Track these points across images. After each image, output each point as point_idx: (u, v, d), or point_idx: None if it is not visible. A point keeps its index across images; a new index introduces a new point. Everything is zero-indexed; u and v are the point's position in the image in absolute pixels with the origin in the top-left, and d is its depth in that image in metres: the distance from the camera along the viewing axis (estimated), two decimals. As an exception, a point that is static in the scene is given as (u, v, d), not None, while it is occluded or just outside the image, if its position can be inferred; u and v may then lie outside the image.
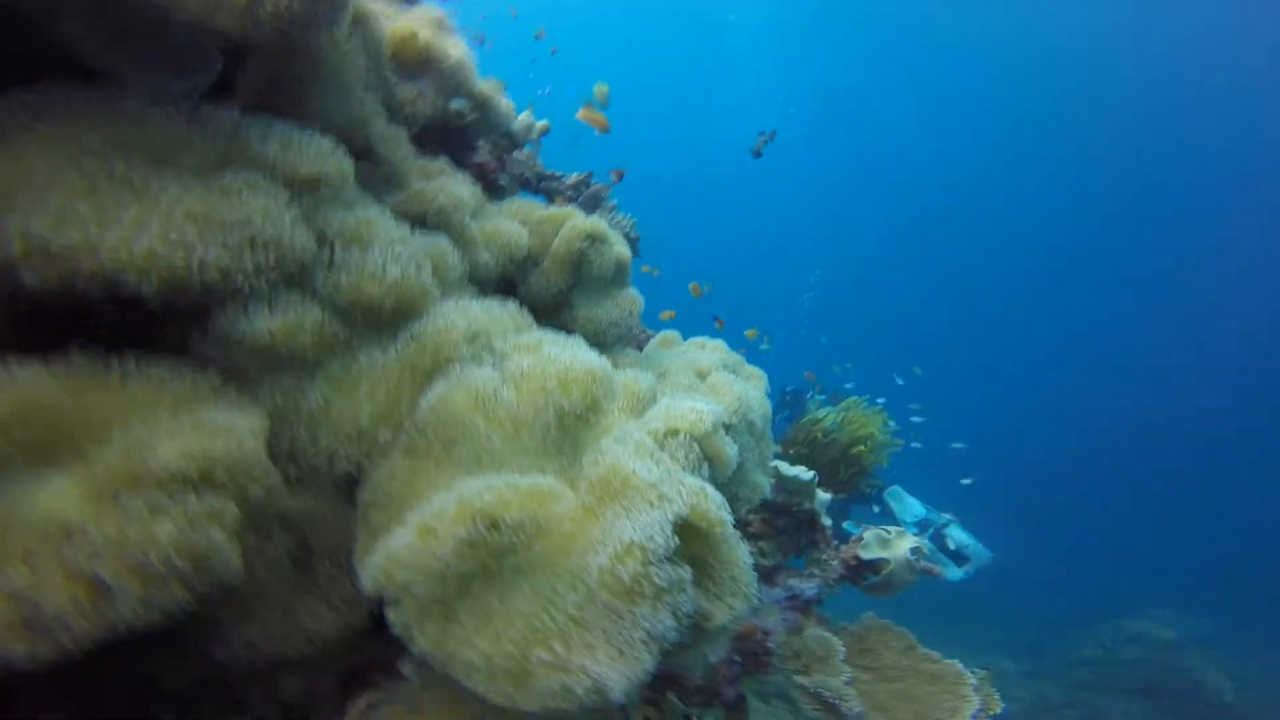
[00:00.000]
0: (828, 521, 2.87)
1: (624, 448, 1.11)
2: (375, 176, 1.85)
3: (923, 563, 2.80)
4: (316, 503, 1.13)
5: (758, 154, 6.40)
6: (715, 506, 1.10)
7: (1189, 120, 27.73)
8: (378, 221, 1.38)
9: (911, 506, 5.87)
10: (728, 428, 1.58)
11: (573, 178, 3.66)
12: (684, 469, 1.16)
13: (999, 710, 2.66)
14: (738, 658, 2.73)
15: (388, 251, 1.31)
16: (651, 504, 1.02)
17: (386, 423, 1.16)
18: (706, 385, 1.77)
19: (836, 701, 2.61)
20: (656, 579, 0.99)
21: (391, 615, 0.99)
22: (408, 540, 0.96)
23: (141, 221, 0.95)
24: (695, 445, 1.24)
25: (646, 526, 0.99)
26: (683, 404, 1.28)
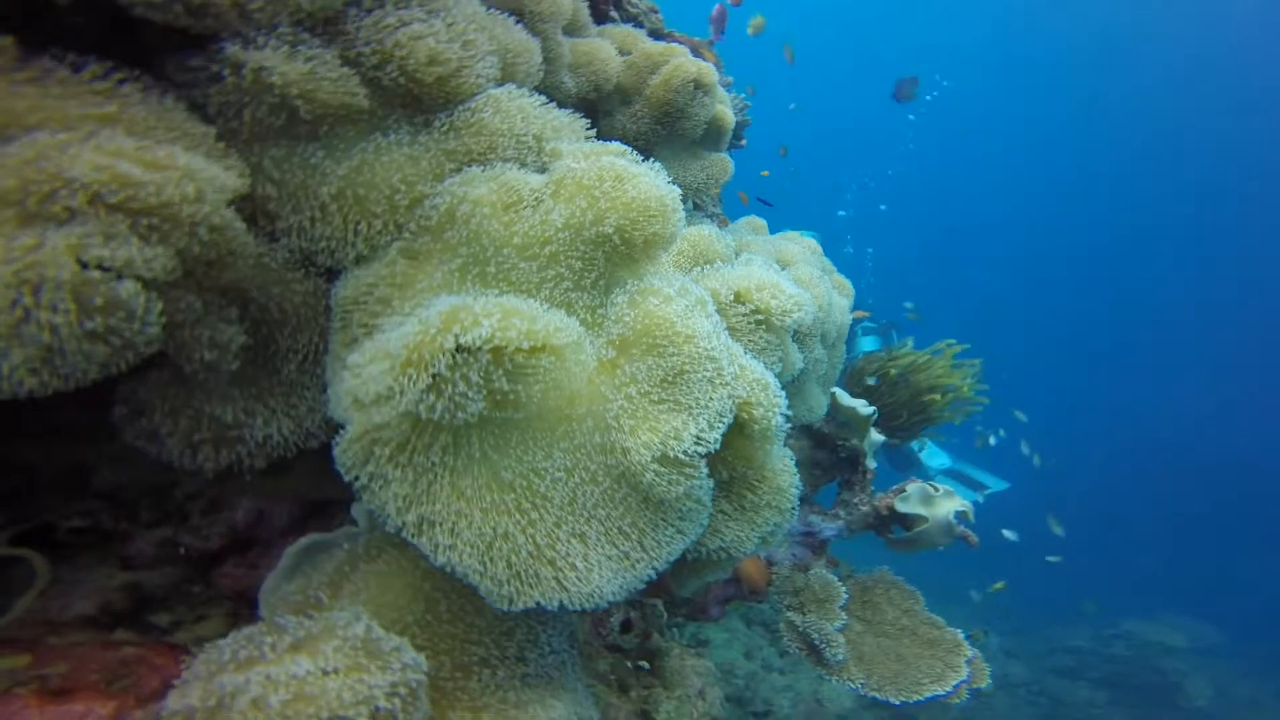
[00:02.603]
0: (873, 464, 2.62)
1: (673, 292, 0.84)
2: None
3: (962, 527, 2.55)
4: (295, 288, 0.91)
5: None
6: (775, 409, 0.85)
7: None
8: None
9: (937, 455, 5.58)
10: (798, 330, 1.31)
11: (691, 40, 3.23)
12: (745, 350, 0.90)
13: (985, 685, 2.52)
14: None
15: (450, 25, 1.01)
16: (709, 381, 0.77)
17: (398, 213, 0.91)
18: (791, 276, 1.47)
19: (822, 645, 2.47)
20: (685, 477, 0.77)
21: (342, 454, 0.78)
22: (383, 369, 0.74)
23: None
24: (762, 327, 0.97)
25: (693, 413, 0.75)
26: (761, 271, 0.99)
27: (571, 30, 1.72)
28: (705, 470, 0.80)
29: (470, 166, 0.96)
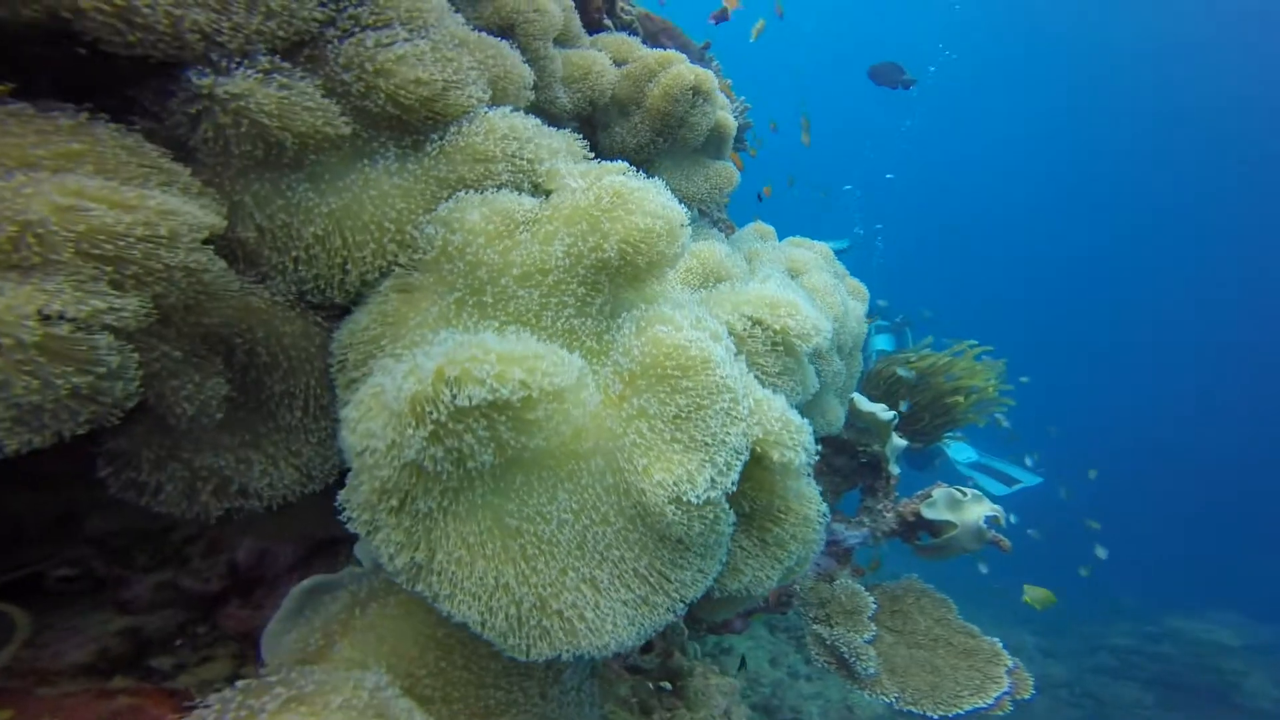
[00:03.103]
0: (896, 470, 2.54)
1: (682, 319, 0.79)
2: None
3: (993, 532, 2.46)
4: (285, 329, 0.86)
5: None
6: (799, 448, 0.80)
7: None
8: (432, 1, 1.01)
9: (964, 450, 5.43)
10: (815, 350, 1.25)
11: (682, 38, 3.17)
12: (763, 375, 0.85)
13: (1028, 696, 2.40)
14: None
15: (434, 45, 0.96)
16: (725, 414, 0.71)
17: (387, 251, 0.87)
18: (802, 285, 1.41)
19: (852, 659, 2.38)
20: (705, 515, 0.72)
21: (345, 502, 0.76)
22: (381, 423, 0.69)
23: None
24: (780, 350, 0.91)
25: (708, 451, 0.70)
26: (776, 290, 0.93)
27: (563, 41, 1.68)
28: (726, 505, 0.75)
29: (463, 192, 0.91)
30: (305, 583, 1.10)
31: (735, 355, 0.81)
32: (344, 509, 0.78)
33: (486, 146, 0.94)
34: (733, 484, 0.73)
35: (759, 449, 0.78)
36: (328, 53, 0.87)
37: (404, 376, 0.67)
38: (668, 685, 2.18)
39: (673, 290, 0.96)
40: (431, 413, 0.66)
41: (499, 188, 0.93)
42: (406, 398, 0.67)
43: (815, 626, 2.52)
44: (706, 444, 0.71)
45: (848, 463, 2.76)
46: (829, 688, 5.68)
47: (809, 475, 0.90)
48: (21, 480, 0.94)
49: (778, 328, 0.91)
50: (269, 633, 1.07)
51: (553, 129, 1.06)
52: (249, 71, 0.79)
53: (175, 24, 0.70)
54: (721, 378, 0.73)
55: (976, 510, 2.48)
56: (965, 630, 2.61)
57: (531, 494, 0.74)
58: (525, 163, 0.95)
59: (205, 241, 0.71)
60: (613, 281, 0.84)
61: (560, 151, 1.00)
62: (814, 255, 1.64)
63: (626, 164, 0.91)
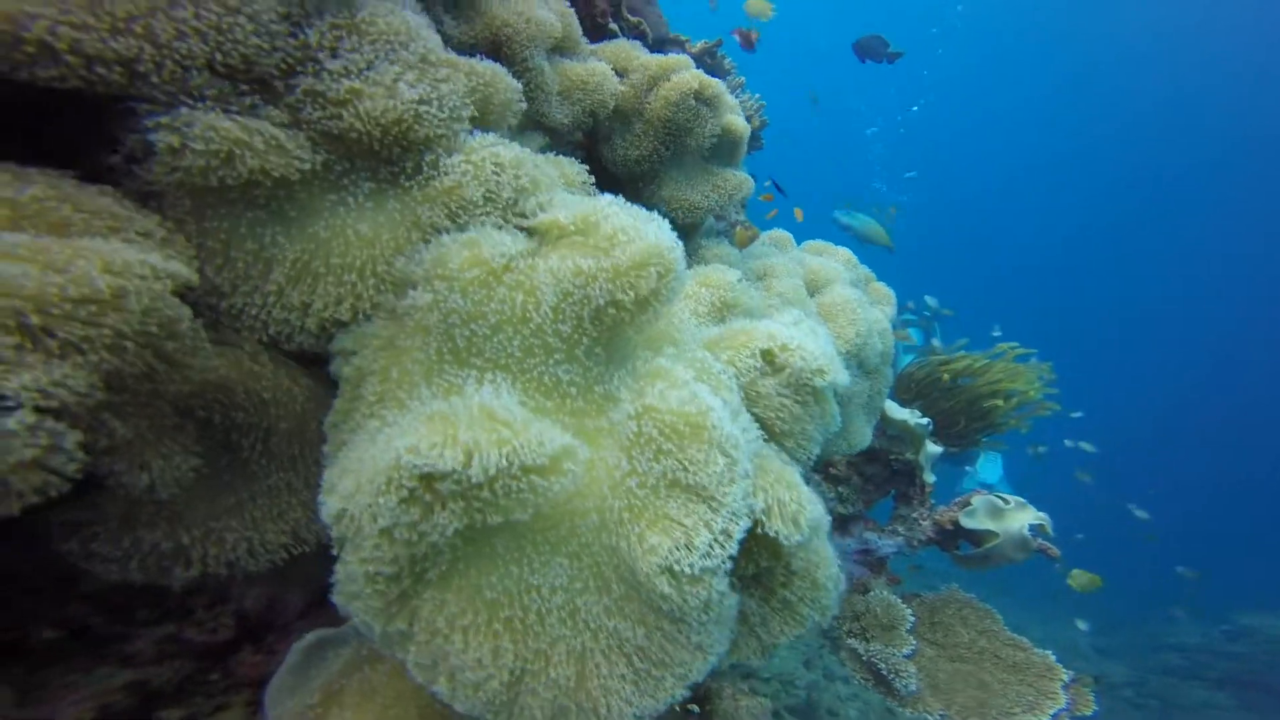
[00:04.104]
0: (931, 478, 2.42)
1: (682, 373, 0.73)
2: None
3: (1040, 540, 2.33)
4: (261, 385, 0.82)
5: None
6: (804, 527, 0.73)
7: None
8: (397, 21, 0.95)
9: (993, 470, 5.23)
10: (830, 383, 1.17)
11: (699, 45, 3.06)
12: (777, 420, 0.78)
13: (1090, 712, 2.25)
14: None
15: (402, 69, 0.90)
16: (726, 480, 0.65)
17: (361, 300, 0.82)
18: (820, 304, 1.33)
19: (892, 676, 2.27)
20: (706, 587, 0.65)
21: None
22: (354, 493, 0.66)
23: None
24: (799, 393, 0.84)
25: (704, 517, 0.63)
26: (787, 328, 0.86)
27: (564, 50, 1.61)
28: (726, 575, 0.68)
29: (442, 234, 0.86)
30: (310, 637, 1.07)
31: (738, 412, 0.74)
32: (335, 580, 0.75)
33: (465, 180, 0.87)
34: (732, 554, 0.66)
35: (761, 520, 0.71)
36: (279, 83, 0.81)
37: (383, 447, 0.63)
38: (695, 709, 2.12)
39: (676, 329, 0.90)
40: (403, 486, 0.61)
41: (480, 225, 0.87)
42: (381, 469, 0.63)
43: (851, 641, 2.42)
44: (701, 512, 0.65)
45: (880, 470, 2.66)
46: (867, 689, 5.53)
47: (823, 535, 0.83)
48: (11, 535, 0.92)
49: (790, 370, 0.84)
50: (273, 688, 1.04)
51: (542, 155, 0.99)
52: (196, 104, 0.74)
53: (74, 46, 0.64)
54: (720, 440, 0.66)
55: (1020, 518, 2.36)
56: (1013, 642, 2.48)
57: (516, 564, 0.69)
58: (509, 194, 0.89)
59: (176, 293, 0.66)
60: (597, 323, 0.78)
61: (553, 181, 0.93)
62: (834, 264, 1.55)
63: (616, 197, 0.84)
